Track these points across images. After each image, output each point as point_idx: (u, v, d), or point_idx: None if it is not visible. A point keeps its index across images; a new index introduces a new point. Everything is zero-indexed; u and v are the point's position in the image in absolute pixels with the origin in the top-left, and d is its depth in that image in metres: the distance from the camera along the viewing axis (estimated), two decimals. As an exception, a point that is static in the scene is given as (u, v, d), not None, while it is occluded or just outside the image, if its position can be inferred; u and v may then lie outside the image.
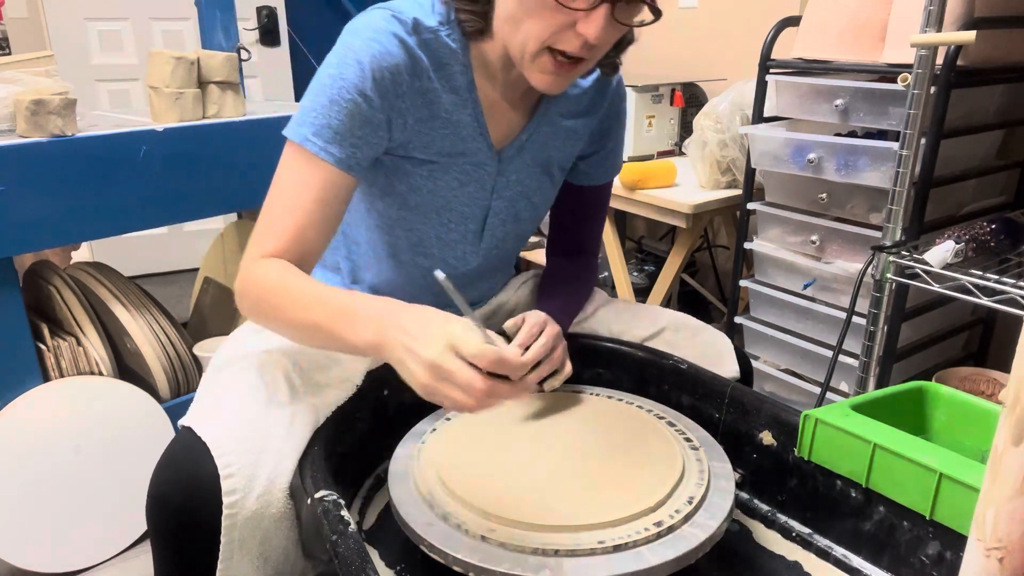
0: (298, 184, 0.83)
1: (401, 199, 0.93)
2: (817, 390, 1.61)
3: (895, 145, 1.27)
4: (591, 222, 1.13)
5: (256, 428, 0.78)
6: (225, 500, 0.74)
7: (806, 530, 0.84)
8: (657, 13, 0.80)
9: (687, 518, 0.73)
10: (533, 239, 2.25)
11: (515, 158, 0.96)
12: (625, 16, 0.79)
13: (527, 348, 0.89)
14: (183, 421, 0.81)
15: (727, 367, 1.02)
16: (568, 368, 0.93)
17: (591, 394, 0.97)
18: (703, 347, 1.04)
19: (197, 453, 0.75)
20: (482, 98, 0.91)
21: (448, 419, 0.90)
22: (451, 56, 0.88)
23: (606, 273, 2.34)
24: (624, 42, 0.92)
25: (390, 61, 0.82)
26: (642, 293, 2.26)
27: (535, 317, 0.93)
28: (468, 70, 0.89)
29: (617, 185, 1.94)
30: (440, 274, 0.70)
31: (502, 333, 0.90)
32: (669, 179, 1.95)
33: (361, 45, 0.82)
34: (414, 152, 0.90)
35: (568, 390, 0.97)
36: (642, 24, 0.83)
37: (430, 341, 0.67)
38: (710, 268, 2.48)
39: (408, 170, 0.91)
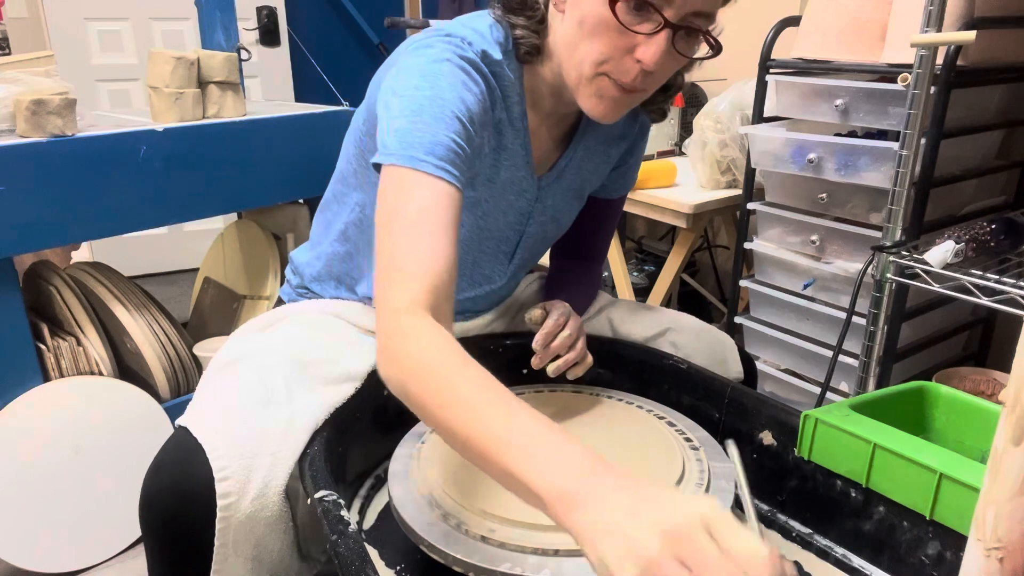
0: (418, 208, 0.72)
1: None
2: (817, 390, 1.61)
3: (895, 145, 1.27)
4: (602, 232, 1.13)
5: (252, 431, 0.77)
6: (219, 503, 0.73)
7: (806, 530, 0.84)
8: (717, 48, 0.79)
9: (687, 518, 0.72)
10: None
11: (553, 184, 0.96)
12: (684, 47, 0.78)
13: (554, 337, 0.90)
14: (180, 421, 0.81)
15: (731, 368, 1.02)
16: (589, 359, 0.94)
17: (591, 394, 0.97)
18: (706, 348, 1.04)
19: (192, 454, 0.75)
20: (531, 125, 0.91)
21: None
22: (511, 87, 0.87)
23: (606, 273, 2.34)
24: (675, 87, 0.92)
25: (477, 90, 0.80)
26: (642, 293, 2.26)
27: (560, 307, 0.94)
28: (522, 99, 0.88)
29: (617, 185, 1.94)
30: (732, 445, 0.66)
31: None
32: (669, 179, 1.95)
33: (450, 72, 0.79)
34: (479, 183, 0.89)
35: (569, 390, 0.97)
36: (700, 59, 0.82)
37: (673, 509, 0.47)
38: (710, 268, 2.48)
39: (467, 204, 0.89)
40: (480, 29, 0.85)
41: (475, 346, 1.01)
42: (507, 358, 1.01)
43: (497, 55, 0.84)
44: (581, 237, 1.12)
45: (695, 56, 0.80)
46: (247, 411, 0.80)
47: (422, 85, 0.77)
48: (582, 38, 0.78)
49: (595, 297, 1.13)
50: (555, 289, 1.07)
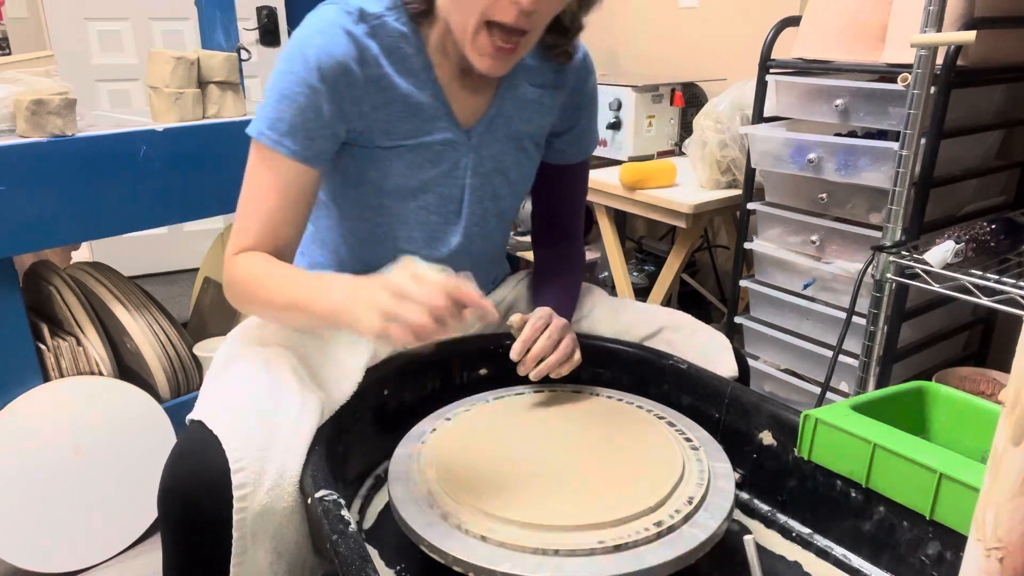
0: (262, 180, 0.88)
1: (375, 186, 0.95)
2: (817, 390, 1.61)
3: (895, 145, 1.27)
4: (572, 203, 1.14)
5: (264, 422, 0.79)
6: (235, 494, 0.74)
7: (806, 530, 0.84)
8: None
9: (687, 518, 0.73)
10: (528, 239, 2.26)
11: (485, 134, 0.97)
12: None
13: (534, 342, 0.91)
14: (192, 415, 0.82)
15: (725, 366, 1.02)
16: (577, 356, 0.94)
17: (591, 394, 0.97)
18: (701, 346, 1.04)
19: (208, 446, 0.76)
20: (441, 77, 0.92)
21: (448, 419, 0.90)
22: (402, 39, 0.89)
23: (606, 273, 2.34)
24: (574, 29, 0.93)
25: (336, 52, 0.85)
26: (642, 293, 2.26)
27: (540, 311, 0.95)
28: (422, 52, 0.91)
29: (617, 185, 1.94)
30: (750, 543, 0.70)
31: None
32: (669, 179, 1.95)
33: (307, 39, 0.86)
34: (377, 139, 0.92)
35: (568, 390, 0.97)
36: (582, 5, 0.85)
37: (391, 276, 0.73)
38: (710, 268, 2.48)
39: (378, 156, 0.93)
40: None
41: (475, 346, 1.01)
42: (508, 358, 1.00)
43: (376, 9, 0.88)
44: (553, 211, 1.13)
45: None
46: (258, 404, 0.81)
47: (283, 56, 0.87)
48: None
49: (580, 282, 1.13)
50: (541, 284, 1.08)
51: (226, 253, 0.90)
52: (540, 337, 0.92)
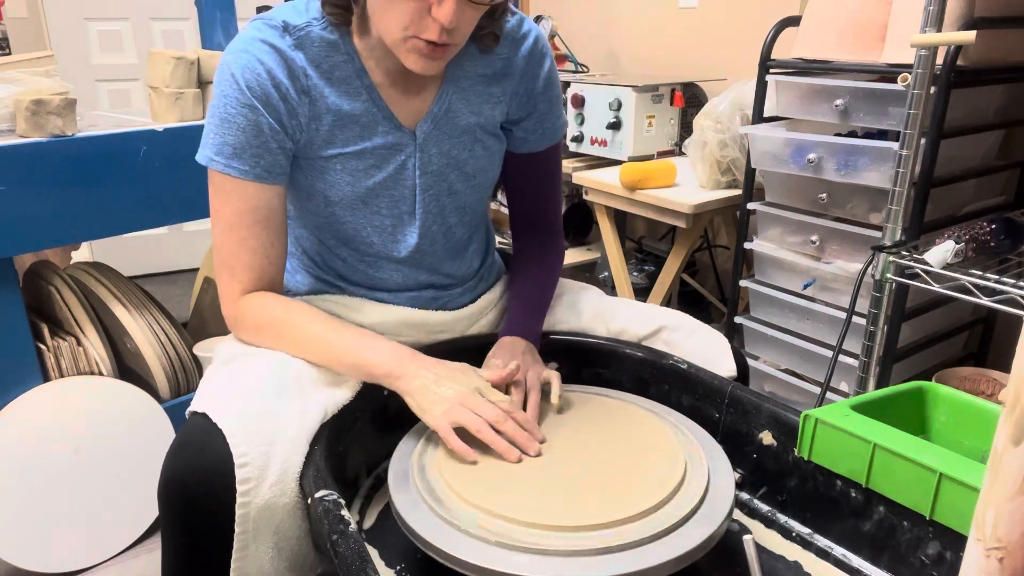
0: (227, 207, 0.89)
1: (324, 196, 0.94)
2: (817, 390, 1.61)
3: (895, 145, 1.27)
4: (545, 192, 1.12)
5: (268, 418, 0.79)
6: (239, 488, 0.74)
7: (806, 530, 0.84)
8: None
9: (687, 518, 0.72)
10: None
11: (432, 132, 0.96)
12: None
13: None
14: (194, 407, 0.82)
15: (724, 365, 1.02)
16: (548, 375, 0.93)
17: (591, 394, 0.97)
18: (700, 346, 1.04)
19: (212, 438, 0.76)
20: (377, 82, 0.92)
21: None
22: (331, 48, 0.89)
23: (606, 273, 2.34)
24: (499, 11, 0.92)
25: (261, 69, 0.86)
26: (642, 293, 2.26)
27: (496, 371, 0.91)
28: (354, 58, 0.90)
29: (617, 185, 1.94)
30: (750, 543, 0.71)
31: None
32: (669, 179, 1.95)
33: (233, 59, 0.86)
34: (318, 150, 0.92)
35: (568, 390, 0.97)
36: (498, 2, 0.85)
37: (459, 382, 0.84)
38: (710, 268, 2.48)
39: (321, 166, 0.93)
40: (295, 2, 0.90)
41: (476, 346, 1.01)
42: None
43: (299, 21, 0.88)
44: (526, 201, 1.12)
45: (493, 1, 0.83)
46: (263, 399, 0.81)
47: (216, 80, 0.87)
48: (382, 7, 0.82)
49: (555, 278, 1.12)
50: (512, 288, 1.09)
51: (223, 289, 0.92)
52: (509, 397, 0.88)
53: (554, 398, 0.91)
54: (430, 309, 1.04)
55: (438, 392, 0.82)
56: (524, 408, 0.88)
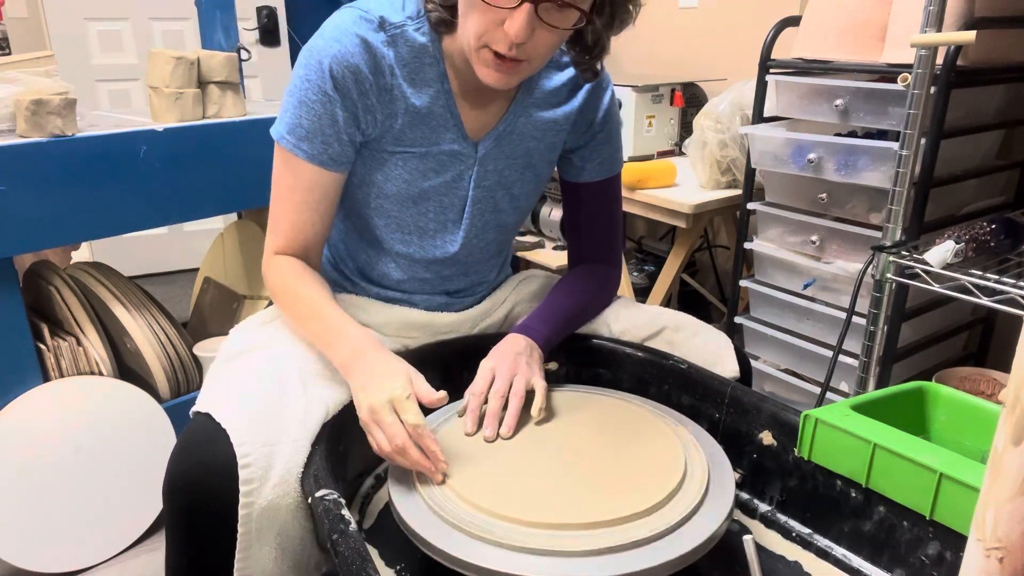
0: (285, 181, 0.93)
1: (377, 188, 0.95)
2: (817, 390, 1.61)
3: (895, 145, 1.27)
4: (601, 225, 1.10)
5: (272, 418, 0.79)
6: (242, 489, 0.74)
7: (806, 530, 0.84)
8: (585, 17, 0.82)
9: (687, 518, 0.73)
10: (532, 239, 2.25)
11: (493, 150, 0.97)
12: (555, 19, 0.80)
13: (485, 397, 0.88)
14: (198, 407, 0.82)
15: (727, 367, 1.02)
16: (535, 383, 0.89)
17: (591, 394, 0.97)
18: (703, 347, 1.04)
19: (216, 438, 0.76)
20: (455, 89, 0.93)
21: (448, 419, 0.90)
22: (421, 50, 0.90)
23: (606, 273, 2.33)
24: (597, 48, 0.92)
25: (350, 60, 0.86)
26: (642, 293, 2.26)
27: (494, 362, 0.91)
28: (439, 62, 0.91)
29: (617, 185, 1.94)
30: (750, 543, 0.70)
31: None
32: (669, 179, 1.95)
33: (324, 47, 0.86)
34: (387, 145, 0.93)
35: (568, 390, 0.97)
36: (577, 27, 0.84)
37: (380, 390, 0.78)
38: (710, 268, 2.48)
39: (383, 159, 0.94)
40: None
41: (476, 346, 1.01)
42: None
43: (397, 18, 0.89)
44: (583, 233, 1.11)
45: (572, 26, 0.83)
46: (266, 399, 0.82)
47: (301, 62, 0.88)
48: (464, 13, 0.83)
49: (597, 304, 1.09)
50: (553, 292, 1.06)
51: (267, 243, 0.96)
52: (491, 392, 0.87)
53: (535, 411, 0.87)
54: (436, 311, 1.05)
55: (362, 399, 0.79)
56: (505, 409, 0.86)
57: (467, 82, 0.93)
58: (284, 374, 0.86)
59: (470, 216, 1.00)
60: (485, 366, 0.91)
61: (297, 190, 0.92)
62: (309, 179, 0.91)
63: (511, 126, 0.97)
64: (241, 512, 0.75)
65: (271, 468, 0.76)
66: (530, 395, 0.89)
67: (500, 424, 0.85)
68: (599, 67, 0.96)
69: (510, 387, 0.88)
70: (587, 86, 1.00)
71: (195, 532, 0.79)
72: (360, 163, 0.95)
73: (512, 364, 0.90)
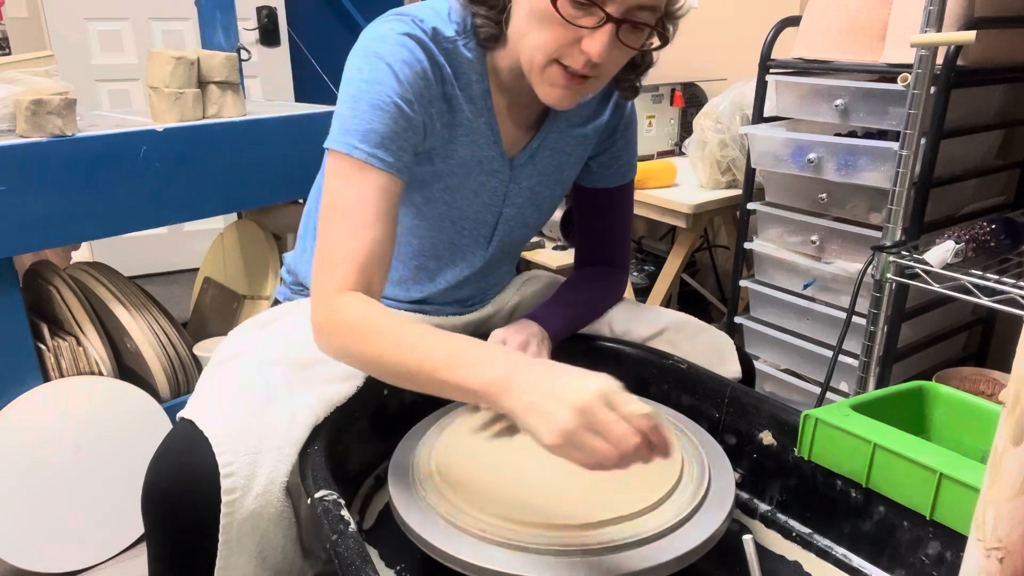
0: (353, 199, 0.80)
1: (416, 209, 0.94)
2: (817, 390, 1.61)
3: (895, 145, 1.27)
4: (613, 230, 1.10)
5: (256, 426, 0.78)
6: (224, 499, 0.73)
7: (806, 530, 0.84)
8: (664, 39, 0.82)
9: (687, 518, 0.72)
10: (534, 239, 2.26)
11: (526, 165, 0.97)
12: (631, 39, 0.79)
13: None
14: (182, 413, 0.81)
15: (729, 367, 1.02)
16: None
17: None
18: (705, 347, 1.04)
19: (197, 446, 0.75)
20: (498, 106, 0.92)
21: (448, 419, 0.90)
22: (468, 66, 0.88)
23: (606, 273, 2.33)
24: (644, 65, 0.93)
25: (419, 67, 0.83)
26: (642, 293, 2.26)
27: (518, 334, 0.91)
28: (483, 79, 0.90)
29: (617, 185, 1.94)
30: (749, 542, 0.69)
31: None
32: (669, 179, 1.95)
33: (387, 50, 0.82)
34: (437, 159, 0.90)
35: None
36: (650, 49, 0.84)
37: (580, 387, 0.61)
38: (710, 268, 2.48)
39: (428, 182, 0.92)
40: (437, 8, 0.88)
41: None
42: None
43: (449, 32, 0.86)
44: (593, 237, 1.11)
45: (646, 48, 0.83)
46: (250, 406, 0.80)
47: (363, 67, 0.82)
48: (532, 28, 0.80)
49: (603, 305, 1.09)
50: (556, 293, 1.05)
51: (315, 289, 0.80)
52: None
53: None
54: (443, 316, 1.05)
55: (554, 409, 0.61)
56: None
57: (510, 99, 0.92)
58: (271, 381, 0.84)
59: (500, 233, 1.00)
60: (496, 335, 0.91)
61: (368, 202, 0.80)
62: (381, 189, 0.80)
63: (544, 142, 0.97)
64: (222, 521, 0.73)
65: (254, 477, 0.75)
66: None
67: None
68: (639, 84, 0.96)
69: None
70: (613, 94, 1.00)
71: (174, 541, 0.78)
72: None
73: (524, 340, 0.91)
